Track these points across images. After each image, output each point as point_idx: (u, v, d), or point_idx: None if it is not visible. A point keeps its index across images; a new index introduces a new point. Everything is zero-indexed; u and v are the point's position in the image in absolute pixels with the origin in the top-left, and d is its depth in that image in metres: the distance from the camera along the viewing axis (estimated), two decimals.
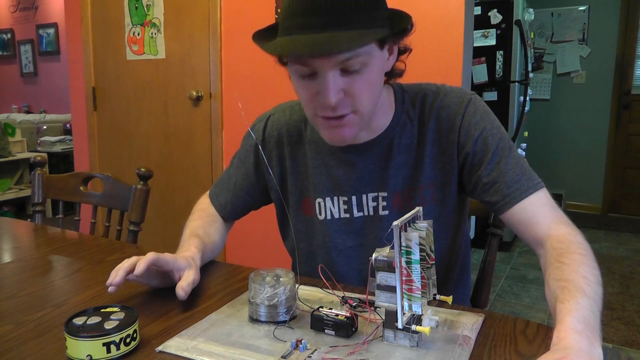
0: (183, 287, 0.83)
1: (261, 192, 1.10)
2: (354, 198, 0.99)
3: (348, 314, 0.72)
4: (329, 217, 1.01)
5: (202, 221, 1.09)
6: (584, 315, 0.64)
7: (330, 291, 0.85)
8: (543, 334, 0.73)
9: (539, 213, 0.87)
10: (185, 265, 0.87)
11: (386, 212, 0.97)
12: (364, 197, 0.98)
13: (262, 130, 1.07)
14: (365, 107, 0.85)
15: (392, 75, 0.92)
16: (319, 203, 1.01)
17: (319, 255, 1.03)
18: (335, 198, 1.00)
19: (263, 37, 0.85)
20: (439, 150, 0.94)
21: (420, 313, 0.69)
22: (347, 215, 1.00)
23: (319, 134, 0.99)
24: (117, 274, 0.80)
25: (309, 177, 1.02)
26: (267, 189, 1.09)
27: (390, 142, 0.96)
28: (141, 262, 0.81)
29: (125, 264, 0.82)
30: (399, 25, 0.83)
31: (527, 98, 3.83)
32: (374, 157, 0.96)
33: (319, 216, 1.02)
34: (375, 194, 0.97)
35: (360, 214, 0.99)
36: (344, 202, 0.99)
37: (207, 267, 1.03)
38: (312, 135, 1.01)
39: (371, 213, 0.98)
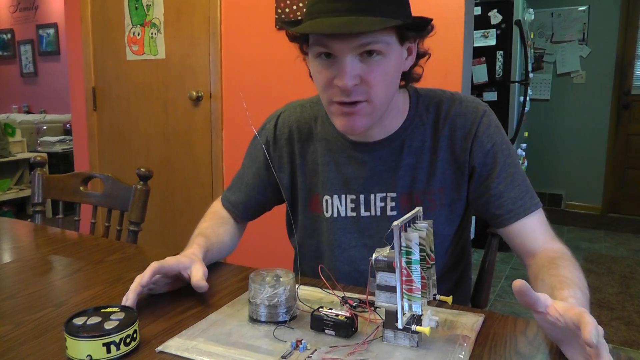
0: (198, 280, 0.83)
1: (273, 191, 1.10)
2: (362, 197, 0.99)
3: (348, 314, 0.72)
4: (335, 214, 1.02)
5: (212, 222, 1.09)
6: (581, 305, 0.68)
7: (330, 291, 0.85)
8: (543, 334, 0.73)
9: (536, 231, 0.92)
10: (189, 262, 0.87)
11: (394, 213, 0.98)
12: (372, 196, 0.99)
13: (274, 128, 1.08)
14: (379, 98, 0.86)
15: (409, 78, 0.95)
16: (326, 200, 1.02)
17: (324, 253, 1.04)
18: (344, 196, 1.01)
19: (289, 25, 0.89)
20: (452, 157, 0.96)
21: (420, 313, 0.69)
22: (354, 214, 1.00)
23: (330, 131, 1.01)
24: (127, 298, 0.79)
25: (319, 174, 1.03)
26: (279, 186, 1.09)
27: (402, 143, 0.97)
28: (146, 273, 0.81)
29: (133, 285, 0.80)
30: (420, 24, 0.87)
31: (527, 98, 3.83)
32: (384, 157, 0.97)
33: (325, 214, 1.02)
34: (384, 194, 0.98)
35: (367, 213, 1.00)
36: (352, 201, 1.00)
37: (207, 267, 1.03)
38: (323, 132, 1.03)
39: (378, 213, 0.99)
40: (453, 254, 1.03)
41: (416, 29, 0.88)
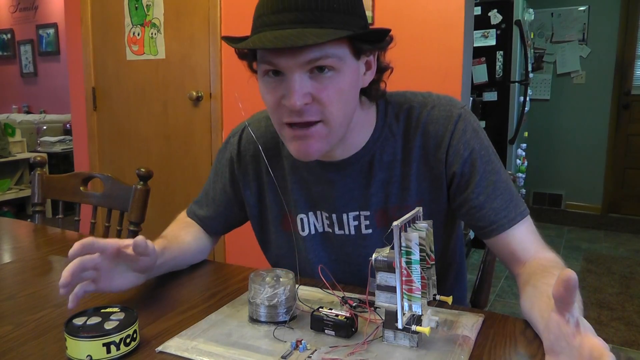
0: (138, 238, 0.77)
1: (240, 208, 1.05)
2: (334, 216, 0.94)
3: (348, 314, 0.72)
4: (312, 232, 0.97)
5: (174, 227, 1.06)
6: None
7: (330, 291, 0.85)
8: None
9: (525, 242, 0.86)
10: (131, 240, 0.80)
11: (369, 231, 0.93)
12: (344, 216, 0.93)
13: (237, 144, 1.02)
14: (335, 118, 0.79)
15: (369, 94, 0.87)
16: (302, 219, 0.97)
17: (303, 270, 0.97)
18: (319, 212, 0.96)
19: (230, 41, 0.82)
20: (426, 168, 0.89)
21: (420, 313, 0.68)
22: (330, 230, 0.96)
23: None
24: (63, 276, 0.72)
25: (288, 193, 0.97)
26: (244, 204, 1.04)
27: (371, 158, 0.90)
28: (76, 245, 0.73)
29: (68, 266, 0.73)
30: (376, 35, 0.79)
31: (527, 98, 3.83)
32: (354, 175, 0.91)
33: (301, 233, 0.98)
34: (357, 212, 0.93)
35: (341, 232, 0.95)
36: (327, 218, 0.96)
37: (207, 267, 1.03)
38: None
39: (352, 232, 0.94)
40: (440, 262, 0.97)
41: (372, 41, 0.80)
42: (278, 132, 0.85)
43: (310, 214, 0.96)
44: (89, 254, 0.76)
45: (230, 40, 0.80)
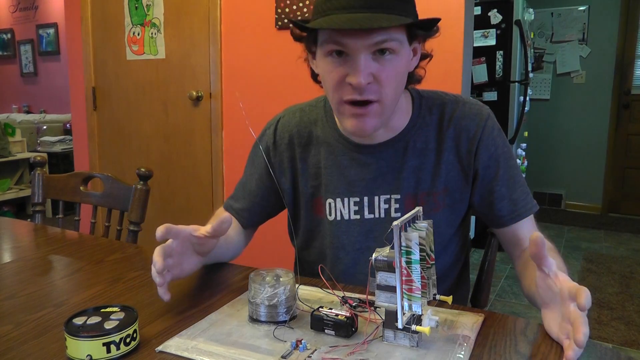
0: (217, 221, 0.81)
1: (276, 196, 1.09)
2: (365, 199, 0.99)
3: (348, 314, 0.72)
4: (338, 217, 1.01)
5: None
6: None
7: (330, 291, 0.85)
8: (543, 334, 0.73)
9: (531, 230, 0.96)
10: (197, 227, 0.84)
11: (399, 215, 0.98)
12: (376, 198, 0.99)
13: (273, 134, 1.08)
14: (389, 97, 0.87)
15: (412, 79, 0.96)
16: (329, 203, 1.02)
17: (328, 256, 1.04)
18: (347, 199, 1.00)
19: (300, 22, 0.89)
20: (456, 158, 0.97)
21: (420, 313, 0.69)
22: (358, 217, 1.00)
23: (331, 135, 1.01)
24: (160, 291, 0.78)
25: (321, 178, 1.03)
26: (280, 192, 1.09)
27: (406, 144, 0.97)
28: (157, 259, 0.77)
29: (155, 279, 0.77)
30: (430, 23, 0.88)
31: (527, 98, 3.83)
32: (388, 159, 0.98)
33: (328, 217, 1.02)
34: (388, 195, 0.98)
35: (371, 215, 1.00)
36: (355, 203, 1.00)
37: (207, 267, 1.03)
38: (324, 136, 1.03)
39: (382, 215, 0.99)
40: (452, 254, 1.04)
41: (425, 29, 0.89)
42: (335, 109, 0.92)
43: (339, 199, 1.01)
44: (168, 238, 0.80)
45: (298, 22, 0.88)
